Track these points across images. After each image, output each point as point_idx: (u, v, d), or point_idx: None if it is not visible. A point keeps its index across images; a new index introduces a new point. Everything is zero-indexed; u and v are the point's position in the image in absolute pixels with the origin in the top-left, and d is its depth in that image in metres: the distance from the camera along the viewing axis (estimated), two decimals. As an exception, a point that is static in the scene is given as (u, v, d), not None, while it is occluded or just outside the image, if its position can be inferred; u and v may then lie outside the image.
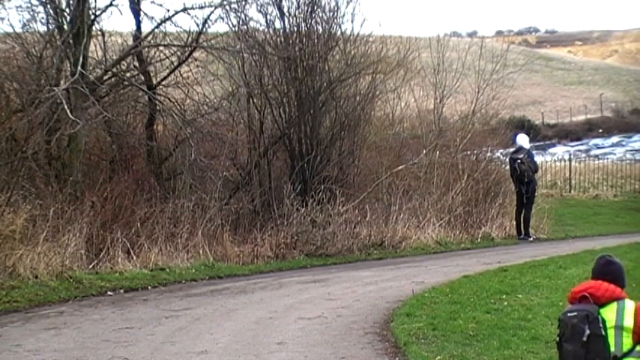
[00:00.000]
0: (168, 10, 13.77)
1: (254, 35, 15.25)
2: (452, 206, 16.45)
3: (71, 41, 12.69)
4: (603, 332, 4.77)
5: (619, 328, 4.78)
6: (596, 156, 32.50)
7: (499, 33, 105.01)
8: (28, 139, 12.10)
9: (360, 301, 9.57)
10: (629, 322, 4.81)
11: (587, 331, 4.76)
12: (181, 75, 14.44)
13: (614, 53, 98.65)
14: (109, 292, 10.63)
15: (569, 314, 4.89)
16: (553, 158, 28.40)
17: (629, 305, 4.85)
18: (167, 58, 14.31)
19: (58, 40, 12.83)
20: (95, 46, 14.16)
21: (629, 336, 4.79)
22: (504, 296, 9.00)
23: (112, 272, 11.41)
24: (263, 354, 7.13)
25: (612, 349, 4.77)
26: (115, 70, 13.79)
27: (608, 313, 4.84)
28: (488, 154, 18.26)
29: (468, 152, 18.05)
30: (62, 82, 12.67)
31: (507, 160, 17.57)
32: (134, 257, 11.94)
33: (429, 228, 15.65)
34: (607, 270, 5.01)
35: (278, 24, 15.46)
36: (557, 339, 4.97)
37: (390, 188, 15.90)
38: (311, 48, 15.23)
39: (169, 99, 14.17)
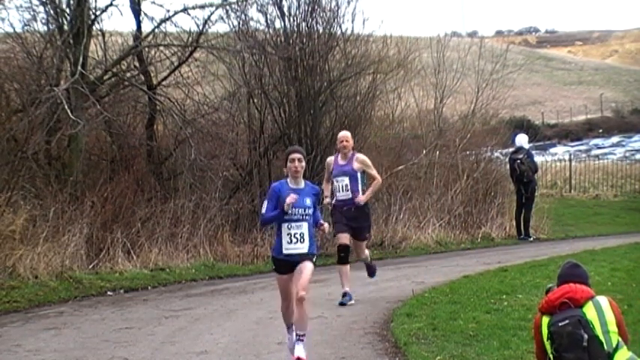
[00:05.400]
0: (169, 11, 13.82)
1: (254, 35, 15.24)
2: (452, 206, 16.45)
3: (71, 41, 12.70)
4: (594, 333, 4.81)
5: (604, 324, 4.88)
6: (597, 156, 32.45)
7: (499, 33, 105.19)
8: (29, 139, 12.09)
9: (360, 301, 9.58)
10: (610, 316, 4.93)
11: (586, 336, 4.79)
12: (181, 75, 14.45)
13: (614, 53, 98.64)
14: (109, 292, 10.64)
15: (560, 324, 4.90)
16: (553, 158, 28.39)
17: (604, 301, 5.00)
18: (167, 58, 14.31)
19: (58, 40, 12.83)
20: (95, 46, 14.15)
21: (614, 330, 4.90)
22: (504, 296, 9.00)
23: (112, 272, 11.42)
24: (263, 354, 7.13)
25: (605, 347, 4.82)
26: (115, 70, 13.80)
27: (589, 313, 4.92)
28: (488, 154, 18.27)
29: (468, 152, 18.05)
30: (62, 82, 12.68)
31: (507, 160, 17.58)
32: (134, 257, 11.95)
33: (429, 228, 15.66)
34: (576, 272, 5.21)
35: (278, 24, 15.47)
36: (554, 353, 4.95)
37: (390, 188, 15.89)
38: (311, 48, 15.21)
39: (169, 99, 14.18)
